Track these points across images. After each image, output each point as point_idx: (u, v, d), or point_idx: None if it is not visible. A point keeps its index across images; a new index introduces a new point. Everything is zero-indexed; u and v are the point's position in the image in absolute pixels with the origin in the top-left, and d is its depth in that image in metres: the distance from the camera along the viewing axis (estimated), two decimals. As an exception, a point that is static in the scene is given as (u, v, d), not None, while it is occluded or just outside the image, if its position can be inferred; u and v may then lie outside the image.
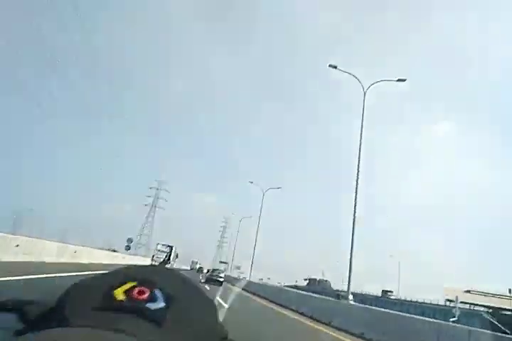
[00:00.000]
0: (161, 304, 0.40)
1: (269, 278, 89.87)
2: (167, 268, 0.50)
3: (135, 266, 0.50)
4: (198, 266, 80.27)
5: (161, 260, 42.57)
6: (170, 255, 44.10)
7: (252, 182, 47.51)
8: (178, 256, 54.13)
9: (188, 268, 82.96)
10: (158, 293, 0.41)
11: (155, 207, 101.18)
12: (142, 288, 0.41)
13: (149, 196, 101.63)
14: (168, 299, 0.41)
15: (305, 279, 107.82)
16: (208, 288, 22.11)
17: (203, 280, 33.15)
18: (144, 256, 64.79)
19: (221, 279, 34.84)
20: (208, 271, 44.54)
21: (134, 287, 0.42)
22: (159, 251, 44.68)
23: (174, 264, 49.28)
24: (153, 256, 44.31)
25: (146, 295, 0.40)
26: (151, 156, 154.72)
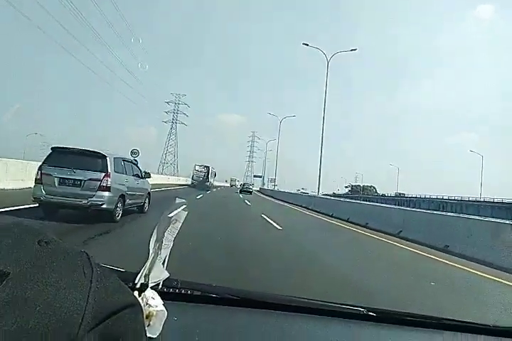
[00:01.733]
0: None
1: (303, 188, 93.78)
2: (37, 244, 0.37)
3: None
4: (237, 183, 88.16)
5: (201, 179, 45.22)
6: (208, 174, 46.24)
7: (270, 113, 55.54)
8: (216, 174, 57.76)
9: (229, 185, 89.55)
10: None
11: (175, 122, 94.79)
12: None
13: (168, 111, 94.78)
14: None
15: (346, 186, 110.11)
16: (241, 196, 31.23)
17: (238, 191, 45.52)
18: (174, 175, 66.19)
19: (250, 190, 46.56)
20: (242, 184, 56.45)
21: None
22: (197, 171, 46.93)
23: (213, 182, 52.24)
24: (193, 176, 46.67)
25: None
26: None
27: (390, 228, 10.75)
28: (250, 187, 50.25)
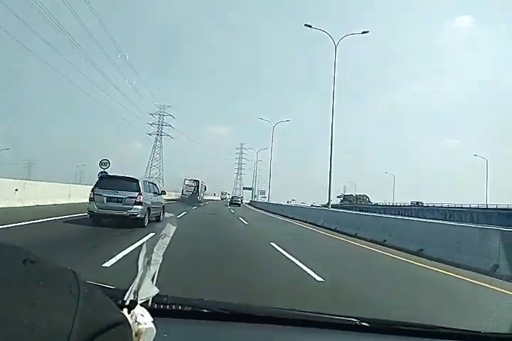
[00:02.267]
0: None
1: (293, 200, 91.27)
2: None
3: None
4: (227, 197, 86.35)
5: (190, 193, 46.83)
6: (198, 188, 47.81)
7: (261, 119, 52.91)
8: (207, 188, 59.11)
9: (219, 198, 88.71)
10: None
11: (160, 135, 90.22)
12: None
13: (153, 123, 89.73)
14: None
15: (338, 196, 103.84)
16: (233, 211, 28.22)
17: (227, 204, 46.39)
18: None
19: (239, 202, 50.66)
20: (231, 198, 58.68)
21: None
22: (187, 185, 48.04)
23: (203, 196, 54.05)
24: (182, 191, 47.67)
25: None
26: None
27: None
28: (239, 200, 54.09)
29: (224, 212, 26.38)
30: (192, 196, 45.52)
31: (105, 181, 10.35)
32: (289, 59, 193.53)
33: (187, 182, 49.01)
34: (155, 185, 12.56)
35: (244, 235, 11.75)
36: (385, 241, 10.96)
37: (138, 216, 10.12)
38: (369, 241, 11.54)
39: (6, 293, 0.32)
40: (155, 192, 12.01)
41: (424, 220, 11.66)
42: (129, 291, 0.61)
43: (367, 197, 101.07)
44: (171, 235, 0.66)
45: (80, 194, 17.51)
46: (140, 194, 10.23)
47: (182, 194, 47.10)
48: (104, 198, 9.96)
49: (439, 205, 56.08)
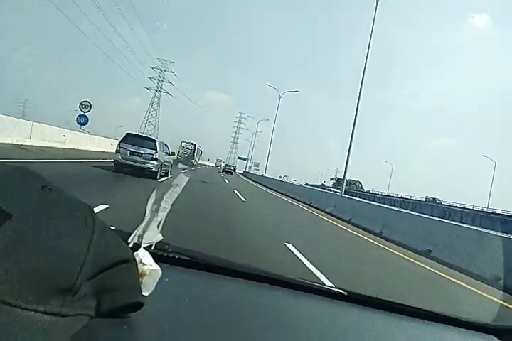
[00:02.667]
0: None
1: (286, 176, 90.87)
2: (28, 171, 0.39)
3: None
4: (222, 164, 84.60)
5: (186, 155, 47.88)
6: (194, 152, 48.87)
7: (269, 85, 51.77)
8: (202, 153, 60.00)
9: (213, 165, 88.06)
10: None
11: (159, 91, 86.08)
12: None
13: (152, 77, 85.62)
14: None
15: (331, 179, 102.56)
16: (227, 181, 25.70)
17: (220, 171, 47.95)
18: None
19: (231, 171, 52.70)
20: (224, 165, 60.67)
21: None
22: (184, 147, 48.73)
23: (198, 161, 55.61)
24: (178, 152, 46.96)
25: None
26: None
27: None
28: (231, 168, 56.20)
29: (217, 182, 23.18)
30: (187, 159, 46.50)
31: (130, 138, 12.61)
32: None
33: (184, 144, 49.22)
34: (167, 146, 14.89)
35: (244, 221, 8.44)
36: (430, 251, 8.22)
37: (153, 169, 12.52)
38: (402, 246, 8.80)
39: (24, 216, 0.32)
40: (166, 152, 14.37)
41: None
42: (133, 234, 0.63)
43: (360, 183, 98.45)
44: (182, 185, 0.69)
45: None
46: (156, 152, 12.56)
47: (178, 155, 48.15)
48: (128, 151, 12.28)
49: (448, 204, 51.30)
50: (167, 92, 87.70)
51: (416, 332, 0.87)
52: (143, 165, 12.35)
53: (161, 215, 0.64)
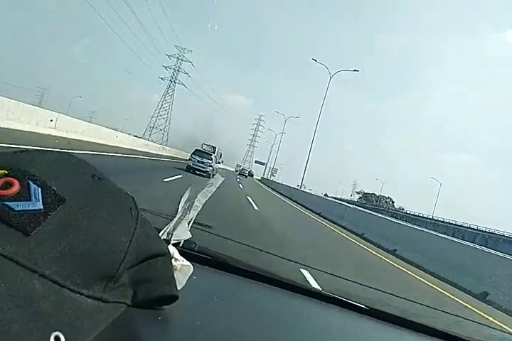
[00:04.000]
0: (34, 205, 0.30)
1: (304, 186, 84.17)
2: (66, 154, 0.39)
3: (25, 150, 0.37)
4: (241, 168, 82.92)
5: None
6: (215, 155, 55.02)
7: (277, 112, 58.21)
8: (222, 155, 62.04)
9: (233, 169, 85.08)
10: (33, 187, 0.31)
11: (174, 81, 76.18)
12: (9, 179, 0.31)
13: (168, 67, 74.97)
14: (48, 198, 0.31)
15: (357, 192, 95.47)
16: (241, 186, 22.34)
17: (237, 174, 54.19)
18: (161, 143, 51.73)
19: (246, 174, 59.10)
20: (240, 169, 65.60)
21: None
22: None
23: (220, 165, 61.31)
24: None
25: (13, 190, 0.30)
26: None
27: None
28: (246, 172, 61.17)
29: (232, 187, 19.40)
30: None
31: (197, 152, 20.48)
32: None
33: (204, 146, 53.28)
34: (221, 155, 22.68)
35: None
36: (487, 294, 6.39)
37: (209, 172, 20.17)
38: (455, 287, 6.95)
39: (77, 202, 0.33)
40: (217, 162, 22.12)
41: None
42: (164, 230, 0.63)
43: (391, 199, 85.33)
44: (217, 185, 0.70)
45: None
46: (212, 161, 20.31)
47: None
48: (196, 160, 20.01)
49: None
50: (183, 84, 78.70)
51: None
52: (203, 169, 20.01)
53: (193, 213, 0.66)
